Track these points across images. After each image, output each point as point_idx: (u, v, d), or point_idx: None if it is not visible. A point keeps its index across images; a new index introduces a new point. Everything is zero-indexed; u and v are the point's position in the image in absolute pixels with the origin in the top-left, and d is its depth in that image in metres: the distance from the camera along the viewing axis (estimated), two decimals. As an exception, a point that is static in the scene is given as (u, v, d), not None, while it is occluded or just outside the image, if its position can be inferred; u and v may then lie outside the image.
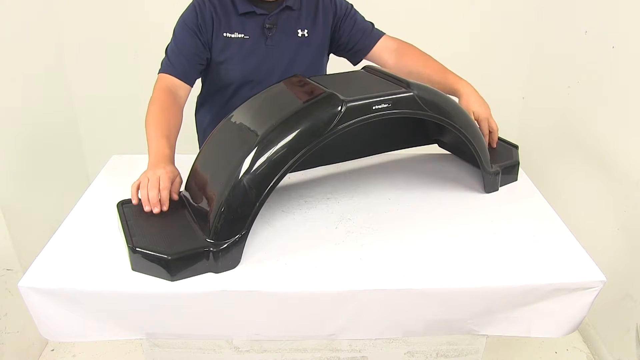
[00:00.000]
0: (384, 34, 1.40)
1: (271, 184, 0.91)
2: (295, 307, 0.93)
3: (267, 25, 1.29)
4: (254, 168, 0.90)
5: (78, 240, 1.01)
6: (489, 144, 1.28)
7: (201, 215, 0.96)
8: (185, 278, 0.91)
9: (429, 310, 0.95)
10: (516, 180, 1.27)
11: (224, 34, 1.28)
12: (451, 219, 1.10)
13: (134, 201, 1.01)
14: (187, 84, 1.28)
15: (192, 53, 1.27)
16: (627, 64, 1.61)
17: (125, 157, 1.37)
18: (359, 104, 0.95)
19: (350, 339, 1.01)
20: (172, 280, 0.90)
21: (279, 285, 0.91)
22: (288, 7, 1.31)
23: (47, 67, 2.04)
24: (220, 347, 1.01)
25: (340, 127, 0.93)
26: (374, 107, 0.96)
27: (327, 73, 1.46)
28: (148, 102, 1.22)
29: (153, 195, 0.98)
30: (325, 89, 0.97)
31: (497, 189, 1.22)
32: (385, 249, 1.00)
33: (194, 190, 1.02)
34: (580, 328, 1.68)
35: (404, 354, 1.05)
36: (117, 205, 1.03)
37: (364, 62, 1.41)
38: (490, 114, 1.28)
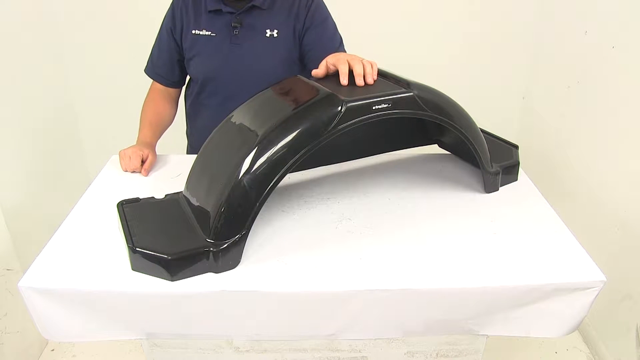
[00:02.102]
0: None
1: (271, 184, 0.91)
2: (295, 307, 0.93)
3: (232, 24, 1.31)
4: (254, 168, 0.90)
5: (78, 240, 1.01)
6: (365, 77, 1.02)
7: (201, 215, 0.96)
8: (185, 278, 0.91)
9: (429, 310, 0.95)
10: (516, 180, 1.27)
11: (192, 32, 1.32)
12: (451, 219, 1.10)
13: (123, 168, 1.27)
14: (167, 83, 1.43)
15: (168, 54, 1.40)
16: (627, 64, 1.61)
17: (125, 157, 1.36)
18: (359, 104, 0.95)
19: (350, 339, 1.01)
20: (172, 280, 0.90)
21: (279, 285, 0.91)
22: (255, 7, 1.31)
23: (47, 67, 2.04)
24: (220, 347, 1.01)
25: (340, 127, 0.93)
26: (374, 107, 0.96)
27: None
28: None
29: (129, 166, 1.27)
30: (325, 89, 0.97)
31: (497, 189, 1.22)
32: (385, 249, 1.00)
33: (194, 190, 1.02)
34: (580, 328, 1.68)
35: (404, 354, 1.05)
36: (117, 205, 1.03)
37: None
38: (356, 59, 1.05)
